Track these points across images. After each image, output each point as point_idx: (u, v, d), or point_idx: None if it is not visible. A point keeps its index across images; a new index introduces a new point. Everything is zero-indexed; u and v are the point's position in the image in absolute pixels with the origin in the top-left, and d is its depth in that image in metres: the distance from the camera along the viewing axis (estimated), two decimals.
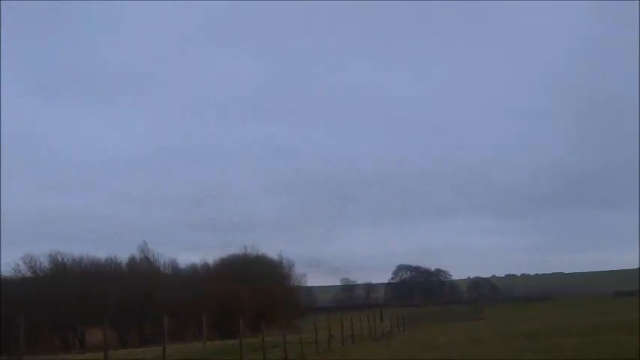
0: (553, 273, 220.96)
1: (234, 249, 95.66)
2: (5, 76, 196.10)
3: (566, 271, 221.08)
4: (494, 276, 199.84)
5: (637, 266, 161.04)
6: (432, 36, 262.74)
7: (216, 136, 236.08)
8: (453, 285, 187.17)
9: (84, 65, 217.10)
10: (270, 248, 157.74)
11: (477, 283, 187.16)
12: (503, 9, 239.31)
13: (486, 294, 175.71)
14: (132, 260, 79.54)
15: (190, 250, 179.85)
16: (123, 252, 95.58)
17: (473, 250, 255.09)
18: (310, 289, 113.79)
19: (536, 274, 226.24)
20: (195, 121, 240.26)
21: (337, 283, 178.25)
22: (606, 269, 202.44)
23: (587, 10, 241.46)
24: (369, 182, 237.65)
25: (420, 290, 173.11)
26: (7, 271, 69.34)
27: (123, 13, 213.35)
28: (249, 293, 71.52)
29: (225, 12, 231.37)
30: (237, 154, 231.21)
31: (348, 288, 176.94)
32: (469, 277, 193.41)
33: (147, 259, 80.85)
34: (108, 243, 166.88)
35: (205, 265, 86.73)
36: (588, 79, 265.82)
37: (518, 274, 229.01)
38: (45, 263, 71.70)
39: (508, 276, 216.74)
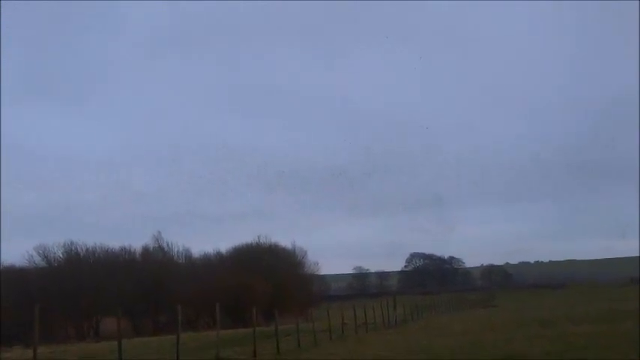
0: (567, 260, 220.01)
1: (247, 238, 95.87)
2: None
3: (580, 258, 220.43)
4: (507, 263, 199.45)
5: None
6: (435, 36, 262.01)
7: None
8: (467, 272, 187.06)
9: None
10: (283, 237, 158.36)
11: (490, 271, 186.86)
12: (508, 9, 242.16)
13: (500, 281, 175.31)
14: (146, 250, 79.89)
15: (203, 239, 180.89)
16: (136, 242, 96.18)
17: (486, 237, 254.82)
18: (323, 277, 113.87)
19: (550, 261, 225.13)
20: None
21: (350, 271, 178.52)
22: (621, 256, 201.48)
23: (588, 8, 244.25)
24: (380, 171, 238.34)
25: (433, 278, 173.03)
26: (21, 261, 69.85)
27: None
28: (262, 282, 71.65)
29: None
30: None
31: (361, 276, 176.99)
32: (482, 264, 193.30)
33: (161, 248, 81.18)
34: (121, 234, 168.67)
35: (219, 254, 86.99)
36: (593, 68, 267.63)
37: (532, 262, 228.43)
38: (59, 253, 72.16)
39: (521, 263, 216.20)
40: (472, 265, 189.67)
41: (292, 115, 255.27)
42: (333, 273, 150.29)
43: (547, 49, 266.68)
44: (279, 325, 29.26)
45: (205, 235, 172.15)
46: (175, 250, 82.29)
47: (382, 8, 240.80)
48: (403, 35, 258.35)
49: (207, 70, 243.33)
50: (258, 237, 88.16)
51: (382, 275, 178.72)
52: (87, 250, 73.43)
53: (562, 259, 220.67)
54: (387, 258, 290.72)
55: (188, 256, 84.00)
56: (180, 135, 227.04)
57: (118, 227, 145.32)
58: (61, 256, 72.09)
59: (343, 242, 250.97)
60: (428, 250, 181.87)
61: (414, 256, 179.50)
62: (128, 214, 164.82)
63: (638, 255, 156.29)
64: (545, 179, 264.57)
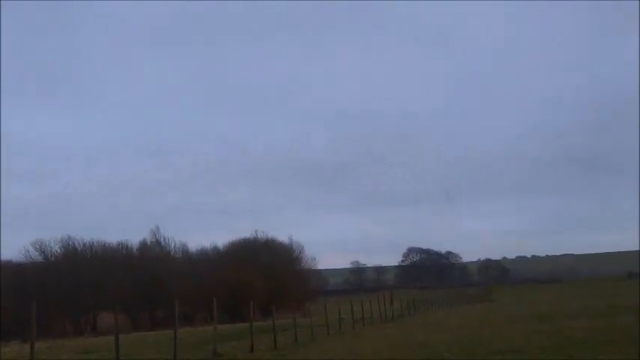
0: (563, 254, 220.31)
1: (244, 233, 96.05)
2: None
3: (577, 253, 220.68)
4: (504, 258, 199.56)
5: None
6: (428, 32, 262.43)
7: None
8: (464, 267, 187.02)
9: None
10: (280, 232, 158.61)
11: (487, 266, 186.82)
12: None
13: (497, 276, 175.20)
14: (143, 245, 79.86)
15: (200, 234, 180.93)
16: (134, 237, 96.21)
17: (483, 232, 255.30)
18: (320, 272, 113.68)
19: (547, 256, 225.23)
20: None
21: (347, 265, 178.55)
22: (618, 250, 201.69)
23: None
24: (378, 168, 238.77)
25: (430, 273, 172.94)
26: (18, 257, 69.79)
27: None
28: (260, 277, 71.61)
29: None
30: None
31: (359, 271, 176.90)
32: (479, 259, 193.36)
33: (158, 243, 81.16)
34: (119, 229, 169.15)
35: (216, 249, 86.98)
36: (593, 68, 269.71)
37: (529, 256, 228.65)
38: (56, 248, 72.10)
39: (518, 258, 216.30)
40: (469, 260, 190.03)
41: (291, 113, 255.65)
42: (330, 268, 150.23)
43: (547, 49, 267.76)
44: (276, 320, 29.26)
45: (203, 230, 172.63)
46: (172, 245, 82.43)
47: (382, 8, 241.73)
48: (404, 35, 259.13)
49: (207, 69, 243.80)
50: (256, 232, 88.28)
51: (379, 270, 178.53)
52: (84, 245, 73.52)
53: (559, 254, 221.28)
54: (385, 253, 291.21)
55: (185, 251, 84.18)
56: (178, 131, 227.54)
57: (116, 222, 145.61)
58: (58, 251, 72.17)
59: (340, 237, 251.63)
60: (425, 245, 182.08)
61: (411, 250, 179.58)
62: (126, 209, 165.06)
63: (635, 249, 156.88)
64: (544, 175, 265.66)
